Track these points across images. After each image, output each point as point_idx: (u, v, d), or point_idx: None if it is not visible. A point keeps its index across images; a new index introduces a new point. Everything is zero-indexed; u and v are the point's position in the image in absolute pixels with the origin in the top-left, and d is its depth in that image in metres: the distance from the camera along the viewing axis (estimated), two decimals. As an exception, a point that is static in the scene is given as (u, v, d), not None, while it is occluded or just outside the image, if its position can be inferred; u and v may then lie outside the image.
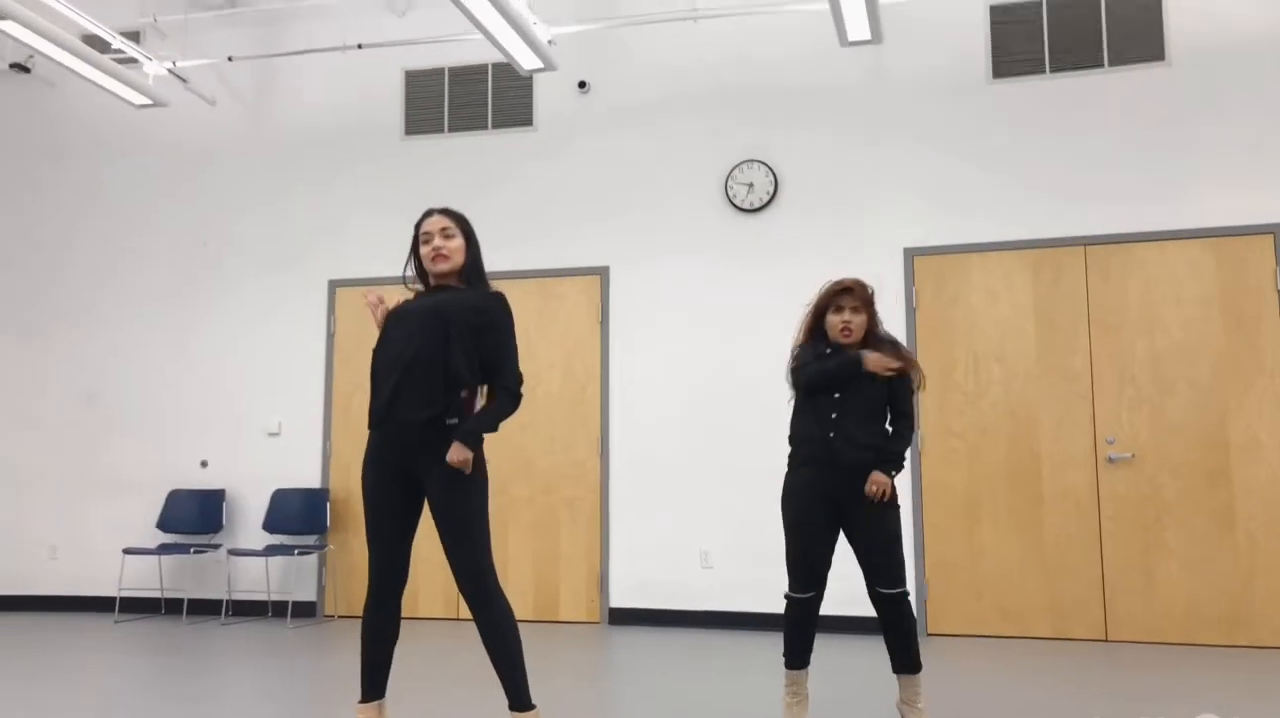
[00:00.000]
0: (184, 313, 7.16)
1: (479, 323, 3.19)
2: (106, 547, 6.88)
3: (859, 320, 3.55)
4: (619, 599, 6.28)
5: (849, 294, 3.56)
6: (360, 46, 6.36)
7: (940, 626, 5.77)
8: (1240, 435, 5.54)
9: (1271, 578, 5.42)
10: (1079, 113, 5.94)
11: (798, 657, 3.54)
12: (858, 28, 5.09)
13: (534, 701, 3.16)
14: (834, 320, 3.56)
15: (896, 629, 3.47)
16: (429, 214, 3.37)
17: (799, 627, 3.53)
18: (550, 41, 5.63)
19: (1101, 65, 5.94)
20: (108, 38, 6.04)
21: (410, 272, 3.41)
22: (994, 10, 6.09)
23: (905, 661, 3.47)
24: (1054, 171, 5.94)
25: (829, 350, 3.57)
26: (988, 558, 5.78)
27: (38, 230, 7.43)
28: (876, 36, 5.20)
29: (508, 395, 3.23)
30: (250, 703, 4.26)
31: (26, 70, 7.13)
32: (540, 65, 5.61)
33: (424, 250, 3.31)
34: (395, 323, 3.29)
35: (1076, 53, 5.98)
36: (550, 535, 6.45)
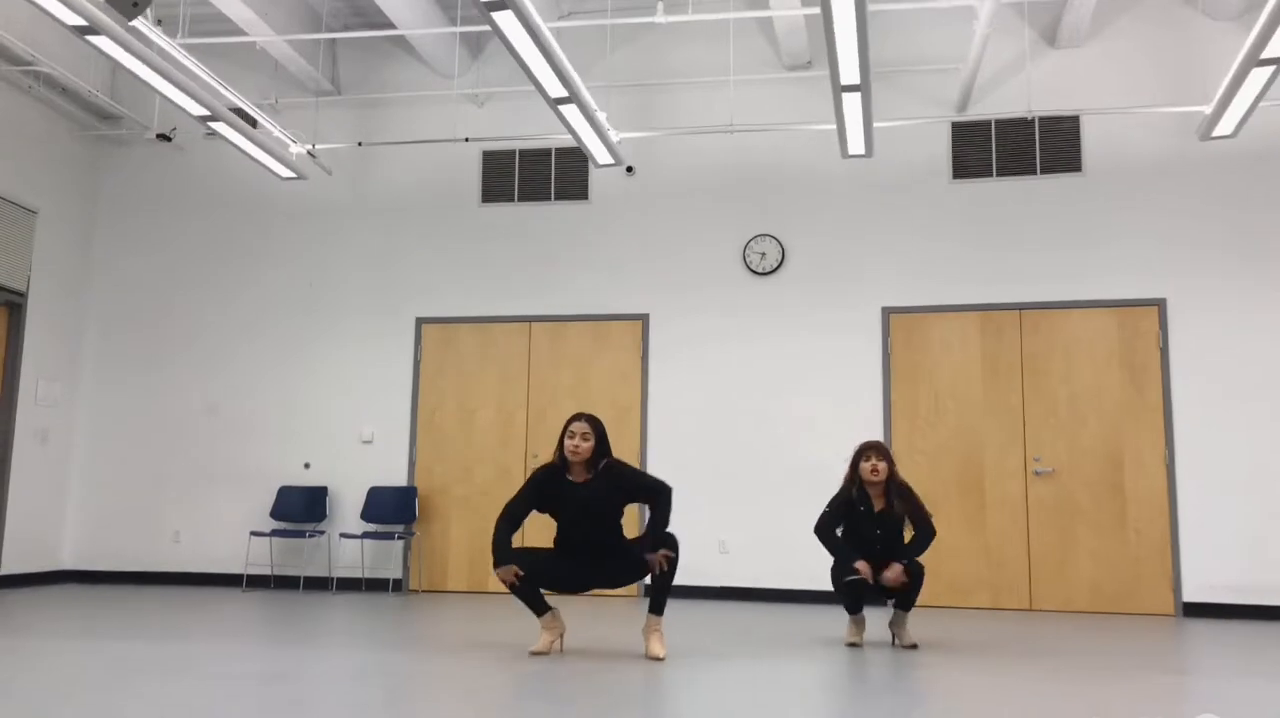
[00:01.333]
0: (293, 343, 8.67)
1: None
2: (222, 533, 8.37)
3: (883, 467, 5.23)
4: (653, 578, 7.91)
5: (873, 450, 5.31)
6: (467, 140, 7.99)
7: (906, 599, 7.49)
8: (1132, 457, 7.38)
9: (1152, 564, 7.23)
10: (1017, 208, 7.78)
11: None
12: (856, 145, 6.86)
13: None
14: (865, 467, 5.26)
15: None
16: (575, 418, 4.80)
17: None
18: (619, 142, 7.32)
19: (1035, 173, 7.80)
20: (259, 117, 7.59)
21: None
22: (955, 127, 7.92)
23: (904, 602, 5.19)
24: (998, 252, 7.76)
25: (862, 509, 5.26)
26: (942, 547, 7.46)
27: (178, 271, 8.92)
28: (869, 152, 6.98)
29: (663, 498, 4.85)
30: (382, 648, 5.81)
31: (169, 139, 8.63)
32: (611, 161, 7.29)
33: (568, 444, 4.72)
34: (566, 490, 4.79)
35: (1016, 162, 7.83)
36: (598, 527, 8.06)
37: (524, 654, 4.68)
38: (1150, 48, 7.70)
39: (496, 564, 4.66)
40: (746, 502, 7.81)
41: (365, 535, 8.04)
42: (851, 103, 6.12)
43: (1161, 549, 7.26)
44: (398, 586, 8.20)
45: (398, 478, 8.35)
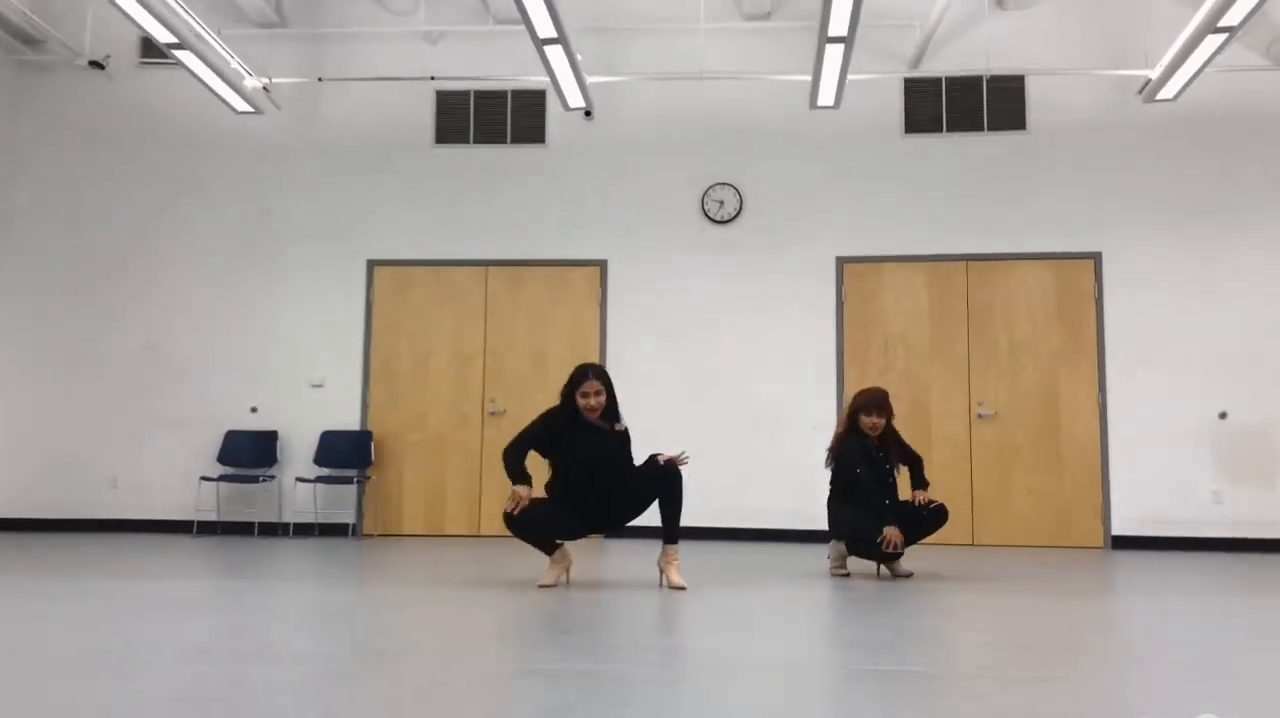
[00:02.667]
0: (237, 281, 8.42)
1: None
2: (166, 479, 8.13)
3: (880, 423, 5.35)
4: (612, 520, 8.05)
5: (875, 408, 5.37)
6: (433, 78, 7.84)
7: (857, 537, 7.83)
8: (1067, 402, 7.85)
9: (1084, 501, 7.75)
10: (965, 163, 8.11)
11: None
12: (827, 97, 7.03)
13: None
14: (866, 421, 5.35)
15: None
16: (585, 377, 4.80)
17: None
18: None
19: (982, 129, 8.13)
20: (218, 46, 7.27)
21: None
22: (907, 83, 8.18)
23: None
24: (946, 206, 8.08)
25: (880, 453, 5.39)
26: (892, 487, 7.87)
27: (112, 209, 8.51)
28: (838, 104, 7.17)
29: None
30: (347, 584, 5.80)
31: (101, 67, 8.19)
32: (583, 105, 7.28)
33: (581, 403, 4.76)
34: (578, 434, 4.82)
35: (964, 119, 8.15)
36: (556, 471, 8.13)
37: (526, 589, 4.71)
38: (1093, 12, 8.09)
39: (516, 481, 4.65)
40: (704, 444, 7.95)
41: (319, 480, 7.93)
42: (834, 55, 6.28)
43: (1093, 487, 7.78)
44: (353, 530, 8.13)
45: (350, 422, 8.24)
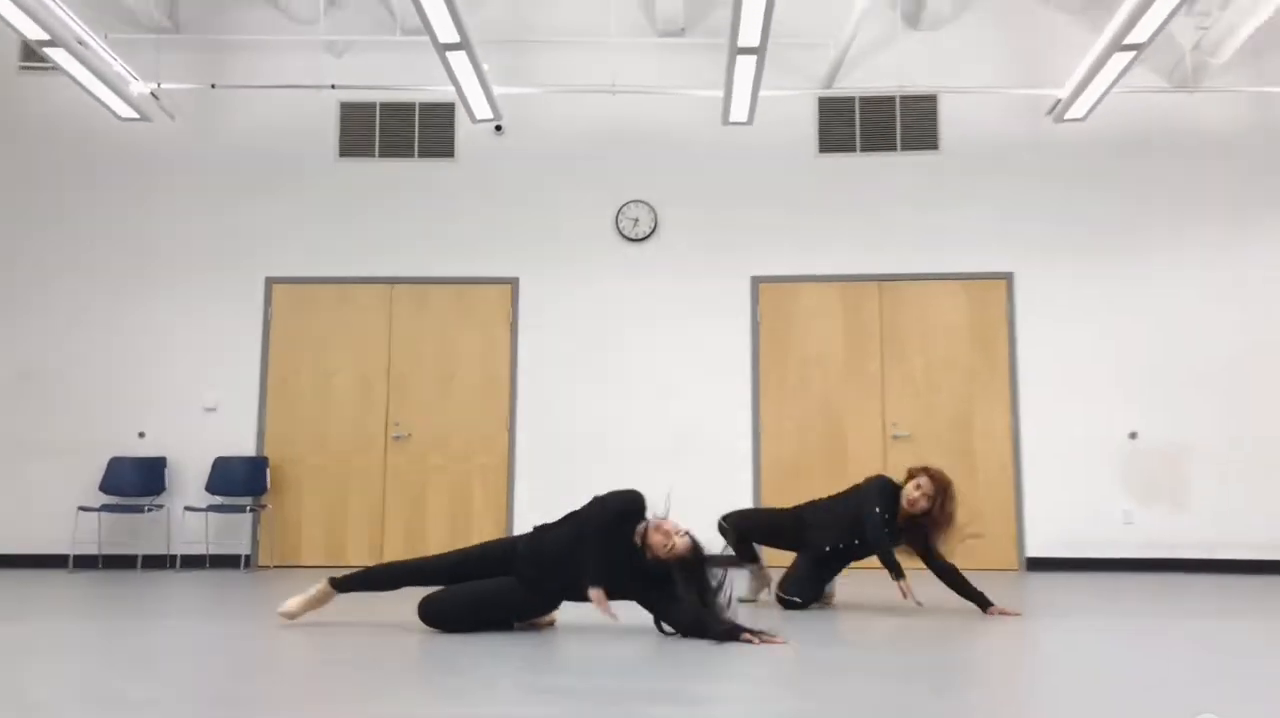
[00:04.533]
0: (127, 298, 7.96)
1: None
2: (39, 510, 7.60)
3: (924, 505, 4.84)
4: (522, 547, 7.76)
5: (935, 486, 4.88)
6: (334, 86, 7.53)
7: (771, 557, 7.65)
8: (981, 423, 7.80)
9: (998, 523, 7.68)
10: (878, 183, 8.06)
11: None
12: (740, 112, 6.91)
13: None
14: (911, 494, 4.88)
15: None
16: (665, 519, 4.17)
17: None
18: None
19: (895, 149, 8.09)
20: (101, 48, 6.88)
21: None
22: (822, 102, 8.12)
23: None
24: (860, 225, 8.01)
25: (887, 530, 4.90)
26: (808, 510, 7.72)
27: (-14, 217, 8.00)
28: (751, 120, 7.05)
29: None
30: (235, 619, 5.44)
31: (-23, 70, 7.72)
32: (490, 116, 7.05)
33: (655, 537, 4.11)
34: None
35: (878, 138, 8.11)
36: (464, 497, 7.84)
37: (415, 626, 4.40)
38: (1002, 34, 8.13)
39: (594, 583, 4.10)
40: (617, 468, 7.73)
41: (211, 508, 7.49)
42: (745, 67, 6.15)
43: (1006, 509, 7.72)
44: (247, 562, 7.69)
45: (246, 447, 7.82)
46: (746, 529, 5.51)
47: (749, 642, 3.79)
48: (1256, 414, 7.59)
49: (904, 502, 4.92)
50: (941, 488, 4.89)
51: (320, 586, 4.32)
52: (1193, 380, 7.67)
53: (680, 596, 3.98)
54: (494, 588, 4.18)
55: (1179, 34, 7.55)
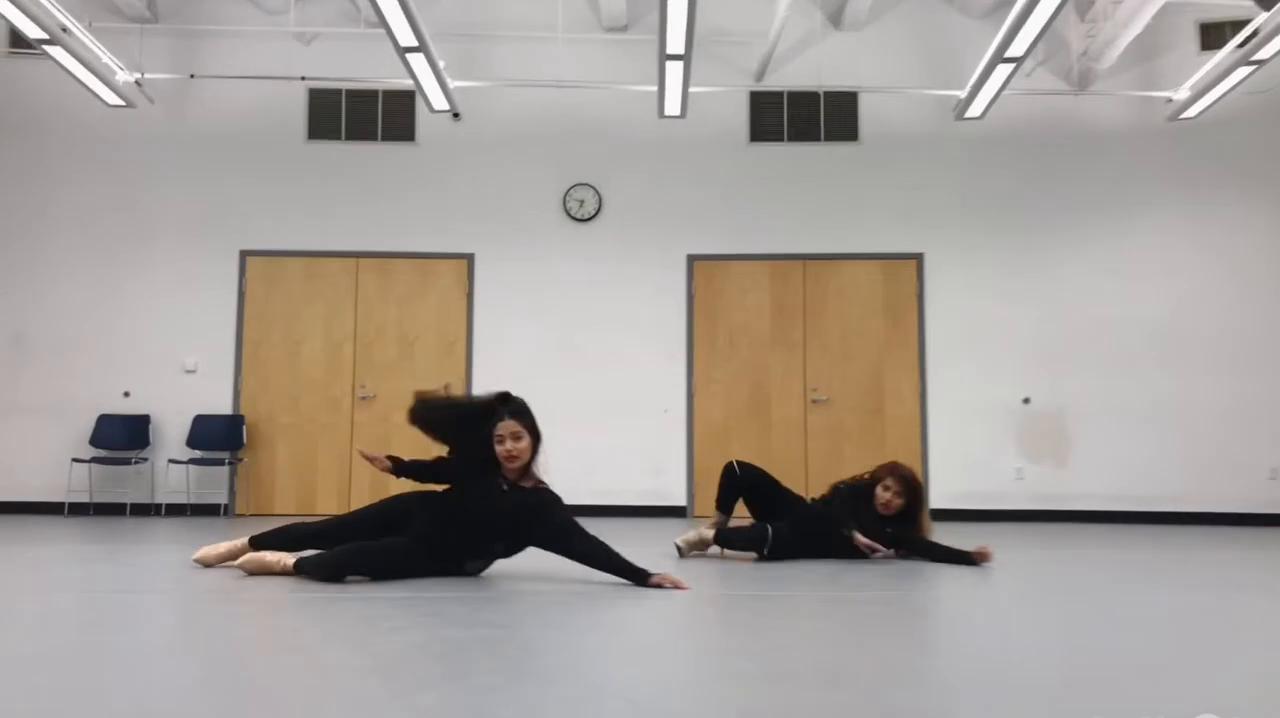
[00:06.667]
0: (112, 270, 8.64)
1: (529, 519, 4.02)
2: (35, 462, 8.32)
3: (898, 503, 4.84)
4: (476, 498, 8.57)
5: (901, 485, 4.86)
6: (304, 78, 8.20)
7: (703, 509, 8.52)
8: (891, 388, 8.68)
9: (905, 477, 8.57)
10: (804, 170, 8.86)
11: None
12: (673, 108, 7.66)
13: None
14: (883, 495, 4.88)
15: None
16: (500, 414, 4.00)
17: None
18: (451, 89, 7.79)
19: (820, 139, 8.89)
20: (86, 39, 7.50)
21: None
22: (753, 96, 8.89)
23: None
24: (786, 209, 8.82)
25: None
26: (735, 466, 8.58)
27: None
28: (684, 113, 7.80)
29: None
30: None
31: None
32: (447, 107, 7.76)
33: (499, 449, 3.96)
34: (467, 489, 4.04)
35: (803, 129, 8.90)
36: (424, 451, 8.57)
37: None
38: (915, 36, 8.92)
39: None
40: (562, 427, 8.50)
41: (192, 462, 8.24)
42: (674, 70, 6.91)
43: (913, 465, 8.56)
44: (225, 510, 8.45)
45: (223, 407, 8.56)
46: (750, 482, 5.38)
47: (658, 585, 3.76)
48: (1130, 382, 8.51)
49: (878, 506, 4.95)
50: (909, 484, 4.98)
51: (240, 541, 4.13)
52: (1077, 351, 8.58)
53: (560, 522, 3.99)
54: (384, 545, 3.99)
55: (1073, 41, 8.38)
